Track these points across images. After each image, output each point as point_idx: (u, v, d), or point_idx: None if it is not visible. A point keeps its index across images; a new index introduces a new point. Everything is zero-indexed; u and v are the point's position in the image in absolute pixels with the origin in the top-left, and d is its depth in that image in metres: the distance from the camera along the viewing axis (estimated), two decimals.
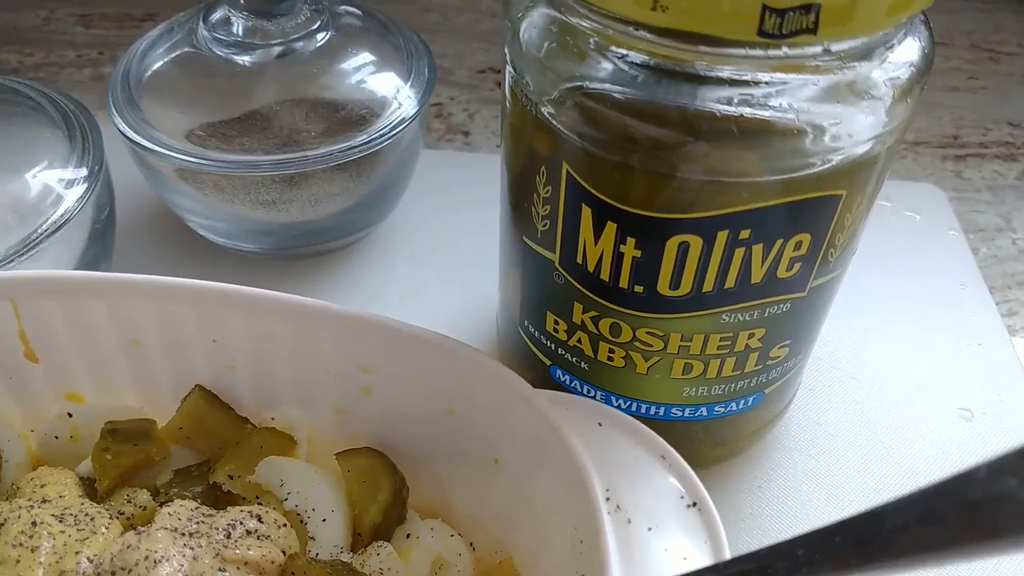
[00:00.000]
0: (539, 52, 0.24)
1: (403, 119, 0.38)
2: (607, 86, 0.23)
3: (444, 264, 0.42)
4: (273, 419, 0.28)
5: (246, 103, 0.38)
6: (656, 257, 0.25)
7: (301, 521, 0.25)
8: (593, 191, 0.24)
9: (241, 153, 0.36)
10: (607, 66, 0.23)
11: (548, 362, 0.31)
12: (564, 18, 0.24)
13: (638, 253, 0.25)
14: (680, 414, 0.29)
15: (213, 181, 0.37)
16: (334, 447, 0.28)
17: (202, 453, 0.28)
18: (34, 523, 0.23)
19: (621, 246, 0.25)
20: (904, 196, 0.47)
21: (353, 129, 0.37)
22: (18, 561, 0.22)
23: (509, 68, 0.26)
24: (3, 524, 0.23)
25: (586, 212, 0.25)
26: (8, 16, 0.63)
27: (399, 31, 0.41)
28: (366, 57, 0.39)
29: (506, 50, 0.26)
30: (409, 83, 0.39)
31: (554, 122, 0.25)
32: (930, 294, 0.42)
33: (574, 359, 0.29)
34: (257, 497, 0.26)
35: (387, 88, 0.39)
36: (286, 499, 0.25)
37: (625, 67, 0.23)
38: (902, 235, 0.45)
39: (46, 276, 0.26)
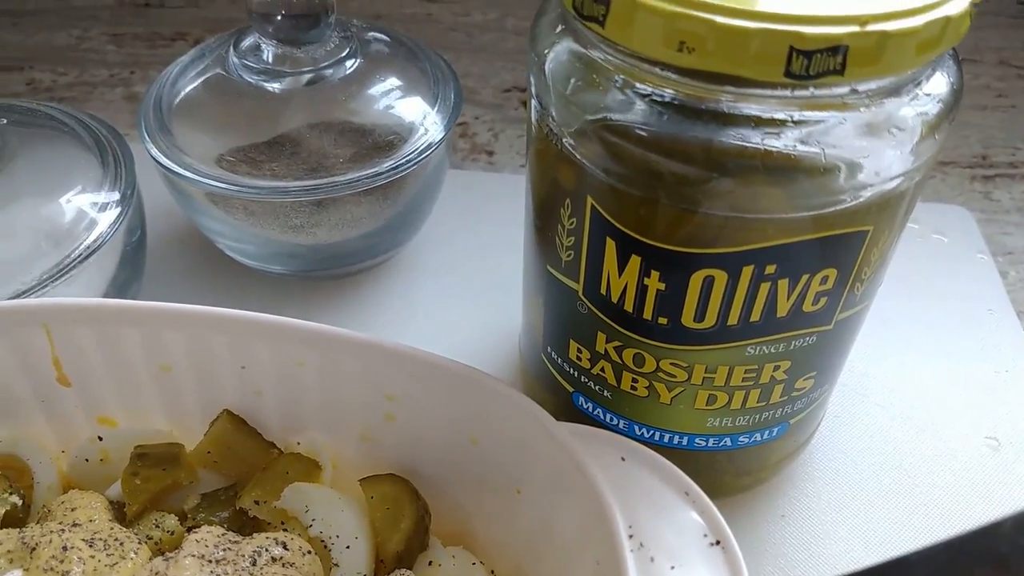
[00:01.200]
0: (564, 86, 0.25)
1: (430, 144, 0.38)
2: (631, 120, 0.23)
3: (468, 285, 0.43)
4: (299, 444, 0.29)
5: (275, 128, 0.39)
6: (680, 290, 0.25)
7: (325, 547, 0.25)
8: (617, 224, 0.24)
9: (270, 178, 0.37)
10: (631, 102, 0.23)
11: (571, 389, 0.31)
12: (589, 54, 0.24)
13: (662, 286, 0.25)
14: (704, 444, 0.29)
15: (243, 205, 0.38)
16: (358, 473, 0.28)
17: (229, 477, 0.28)
18: (65, 548, 0.23)
19: (645, 279, 0.25)
20: (931, 218, 0.47)
21: (381, 154, 0.38)
22: None
23: (534, 101, 0.27)
24: (35, 548, 0.23)
25: (610, 244, 0.25)
26: (42, 35, 0.64)
27: (426, 56, 0.41)
28: (393, 83, 0.40)
29: (532, 82, 0.27)
30: (436, 108, 0.39)
31: (577, 155, 0.25)
32: (957, 319, 0.41)
33: (597, 387, 0.29)
34: (282, 523, 0.26)
35: (414, 113, 0.39)
36: (311, 525, 0.26)
37: (650, 104, 0.23)
38: (929, 258, 0.45)
39: (79, 304, 0.26)
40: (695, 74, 0.22)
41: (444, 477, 0.28)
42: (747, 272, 0.24)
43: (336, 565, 0.25)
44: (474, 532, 0.27)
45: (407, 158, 0.38)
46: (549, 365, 0.31)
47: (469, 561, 0.26)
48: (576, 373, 0.30)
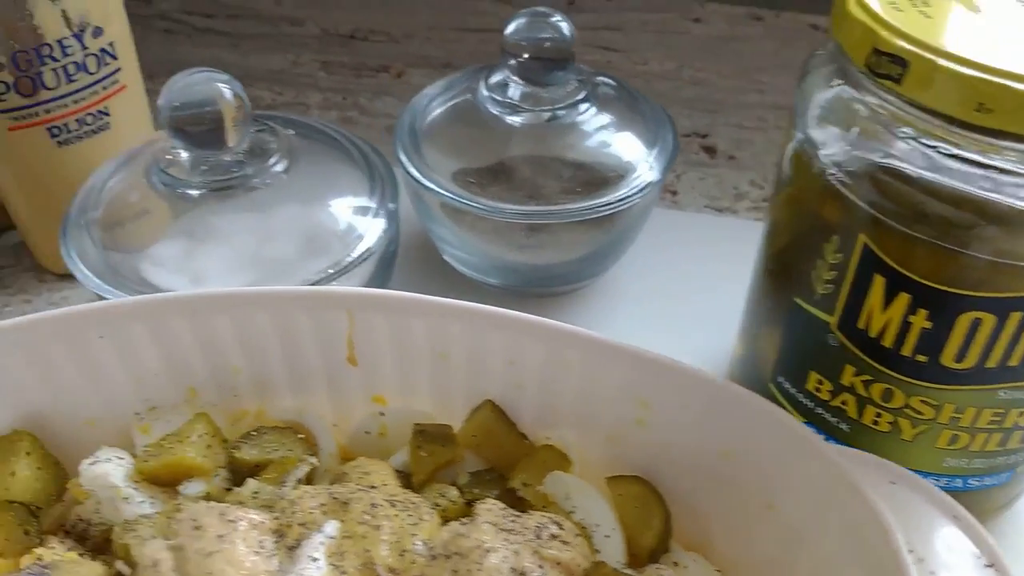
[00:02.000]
0: (844, 132, 0.27)
1: (648, 183, 0.41)
2: (914, 167, 0.25)
3: (660, 313, 0.45)
4: (548, 439, 0.31)
5: (508, 155, 0.42)
6: (946, 330, 0.26)
7: (586, 534, 0.28)
8: (888, 261, 0.26)
9: (498, 200, 0.40)
10: (916, 150, 0.25)
11: (801, 419, 0.32)
12: (872, 105, 0.26)
13: (928, 325, 0.26)
14: (936, 483, 0.30)
15: (471, 220, 0.42)
16: (600, 471, 0.30)
17: (487, 461, 0.31)
18: (373, 505, 0.26)
19: (911, 316, 0.27)
20: None
21: (599, 189, 0.41)
22: (364, 537, 0.25)
23: (799, 136, 0.29)
24: (347, 503, 0.27)
25: (878, 281, 0.27)
26: (257, 57, 0.71)
27: (646, 102, 0.45)
28: (617, 125, 0.43)
29: (800, 126, 0.29)
30: (654, 151, 0.42)
31: (852, 195, 0.27)
32: None
33: (834, 419, 0.31)
34: (544, 506, 0.29)
35: (633, 154, 0.42)
36: (572, 512, 0.28)
37: (935, 153, 0.25)
38: None
39: (382, 295, 0.30)
40: (983, 131, 0.24)
41: (686, 486, 0.29)
42: (1015, 318, 0.25)
43: (598, 551, 0.27)
44: (712, 543, 0.29)
45: (628, 194, 0.40)
46: (779, 395, 0.33)
47: (712, 569, 0.28)
48: (812, 404, 0.31)
